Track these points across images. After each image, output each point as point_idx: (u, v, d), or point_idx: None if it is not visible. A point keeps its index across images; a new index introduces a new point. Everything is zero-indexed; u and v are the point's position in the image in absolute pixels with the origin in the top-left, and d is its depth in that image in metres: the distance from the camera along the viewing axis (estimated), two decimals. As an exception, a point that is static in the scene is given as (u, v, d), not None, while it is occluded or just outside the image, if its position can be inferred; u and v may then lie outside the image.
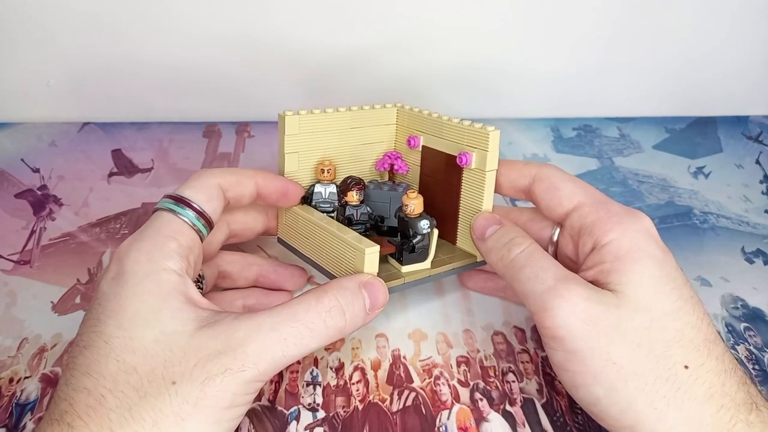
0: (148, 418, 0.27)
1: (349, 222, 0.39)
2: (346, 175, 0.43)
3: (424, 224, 0.37)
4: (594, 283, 0.33)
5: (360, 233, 0.39)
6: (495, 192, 0.39)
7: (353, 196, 0.39)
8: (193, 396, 0.27)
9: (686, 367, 0.30)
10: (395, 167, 0.44)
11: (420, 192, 0.43)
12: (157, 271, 0.31)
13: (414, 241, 0.38)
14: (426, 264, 0.39)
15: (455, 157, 0.39)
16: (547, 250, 0.38)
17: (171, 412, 0.27)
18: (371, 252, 0.34)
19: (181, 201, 0.34)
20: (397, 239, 0.39)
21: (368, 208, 0.40)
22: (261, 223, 0.41)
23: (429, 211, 0.40)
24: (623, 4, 0.58)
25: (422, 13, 0.58)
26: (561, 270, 0.33)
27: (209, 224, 0.35)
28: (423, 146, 0.42)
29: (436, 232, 0.38)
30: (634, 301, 0.31)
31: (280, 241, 0.42)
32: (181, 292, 0.31)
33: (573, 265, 0.36)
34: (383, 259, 0.39)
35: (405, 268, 0.38)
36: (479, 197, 0.39)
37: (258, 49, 0.58)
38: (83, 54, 0.57)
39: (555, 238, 0.38)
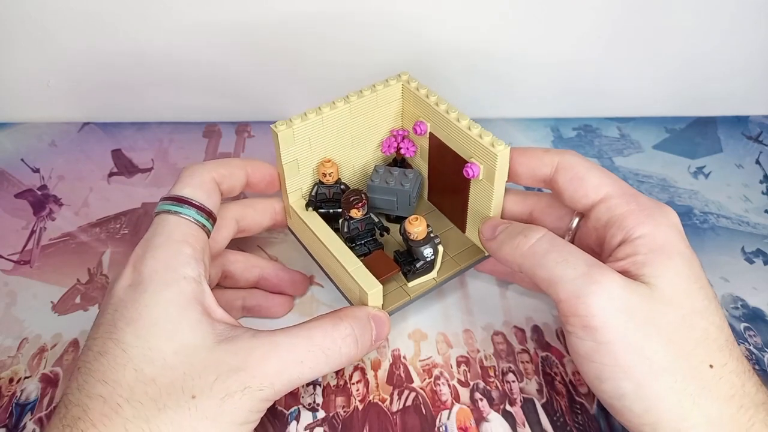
0: (165, 431, 0.27)
1: (353, 239, 0.39)
2: (351, 168, 0.42)
3: (428, 253, 0.37)
4: (626, 273, 0.32)
5: (366, 240, 0.39)
6: (512, 182, 0.38)
7: (357, 213, 0.38)
8: (212, 411, 0.28)
9: (711, 366, 0.30)
10: (402, 150, 0.42)
11: (429, 177, 0.43)
12: (176, 280, 0.31)
13: (418, 265, 0.37)
14: (432, 274, 0.39)
15: (463, 159, 0.38)
16: (563, 238, 0.38)
17: (189, 426, 0.27)
18: (374, 293, 0.34)
19: (183, 201, 0.34)
20: (403, 248, 0.39)
21: (373, 217, 0.39)
22: (269, 217, 0.41)
23: (439, 196, 0.39)
24: (623, 4, 0.58)
25: (422, 12, 0.58)
26: (590, 256, 0.32)
27: (212, 219, 0.35)
28: (430, 133, 0.40)
29: (441, 248, 0.38)
30: (668, 296, 0.30)
31: (289, 230, 0.42)
32: (200, 302, 0.31)
33: (594, 256, 0.36)
34: None
35: (411, 283, 0.38)
36: (487, 205, 0.38)
37: (258, 49, 0.58)
38: (83, 54, 0.57)
39: (574, 226, 0.37)
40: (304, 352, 0.30)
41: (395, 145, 0.42)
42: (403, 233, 0.38)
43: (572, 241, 0.38)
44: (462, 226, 0.41)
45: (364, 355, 0.34)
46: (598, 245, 0.35)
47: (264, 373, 0.29)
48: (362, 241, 0.39)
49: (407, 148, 0.42)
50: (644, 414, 0.29)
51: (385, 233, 0.40)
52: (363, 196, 0.38)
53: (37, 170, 0.55)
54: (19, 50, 0.57)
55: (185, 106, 0.61)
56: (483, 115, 0.64)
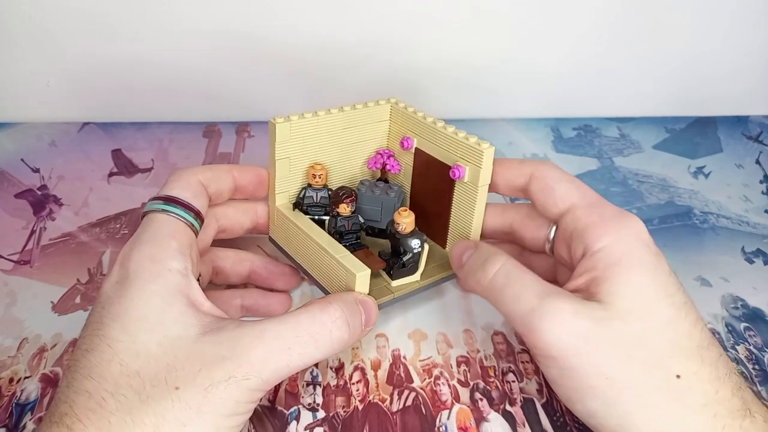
0: (149, 422, 0.27)
1: (340, 234, 0.39)
2: (338, 178, 0.43)
3: (416, 243, 0.37)
4: (585, 290, 0.32)
5: (352, 242, 0.40)
6: (492, 192, 0.39)
7: (345, 209, 0.39)
8: (195, 402, 0.27)
9: (678, 376, 0.30)
10: (387, 166, 0.43)
11: (412, 194, 0.44)
12: (161, 273, 0.31)
13: (405, 258, 0.38)
14: (416, 276, 0.39)
15: (448, 166, 0.39)
16: (544, 248, 0.38)
17: (173, 417, 0.27)
18: (362, 276, 0.34)
19: (171, 200, 0.35)
20: (388, 251, 0.39)
21: (360, 218, 0.40)
22: (249, 218, 0.41)
23: (421, 213, 0.40)
24: (623, 4, 0.58)
25: (421, 10, 0.58)
26: (542, 285, 0.32)
27: (200, 219, 0.36)
28: (416, 148, 0.42)
29: (426, 247, 0.38)
30: (625, 312, 0.31)
31: (271, 240, 0.42)
32: (185, 294, 0.31)
33: (569, 265, 0.36)
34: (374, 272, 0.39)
35: (395, 283, 0.39)
36: (470, 209, 0.39)
37: (258, 50, 0.58)
38: (83, 54, 0.57)
39: (551, 236, 0.37)
40: (291, 338, 0.30)
41: (381, 162, 0.43)
42: (390, 228, 0.38)
43: (552, 249, 0.38)
44: (443, 242, 0.42)
45: (356, 340, 0.33)
46: (569, 255, 0.36)
47: (249, 362, 0.29)
48: (347, 242, 0.40)
49: (392, 166, 0.43)
50: (618, 429, 0.30)
51: (371, 231, 0.41)
52: (353, 192, 0.39)
53: (37, 170, 0.55)
54: (19, 50, 0.57)
55: (185, 106, 0.61)
56: (483, 115, 0.64)
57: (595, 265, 0.32)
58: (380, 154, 0.43)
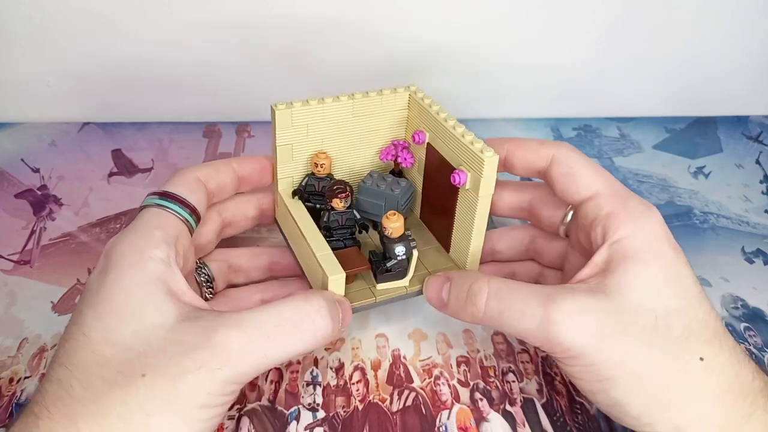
0: (113, 411, 0.26)
1: (329, 230, 0.38)
2: (347, 168, 0.42)
3: (400, 251, 0.36)
4: (598, 277, 0.32)
5: (345, 238, 0.39)
6: (508, 172, 0.38)
7: (338, 204, 0.38)
8: (162, 391, 0.27)
9: (702, 359, 0.30)
10: (399, 159, 0.41)
11: (423, 191, 0.42)
12: (142, 261, 0.30)
13: (389, 264, 0.36)
14: (404, 282, 0.37)
15: (453, 168, 0.37)
16: (558, 231, 0.38)
17: (137, 406, 0.26)
18: (336, 279, 0.33)
19: (165, 195, 0.35)
20: (380, 251, 0.38)
21: (355, 213, 0.38)
22: (253, 207, 0.41)
23: (431, 212, 0.39)
24: (623, 3, 0.58)
25: (424, 12, 0.58)
26: (539, 294, 0.32)
27: (196, 215, 0.35)
28: (428, 144, 0.40)
29: (416, 253, 0.37)
30: (635, 303, 0.31)
31: (276, 223, 0.42)
32: (164, 282, 0.30)
33: (582, 250, 0.36)
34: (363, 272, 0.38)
35: (380, 286, 0.37)
36: (470, 220, 0.36)
37: (258, 49, 0.58)
38: (83, 54, 0.57)
39: (567, 219, 0.37)
40: (271, 328, 0.29)
41: (393, 153, 0.41)
42: (380, 230, 0.37)
43: (565, 233, 0.38)
44: (447, 245, 0.40)
45: (334, 338, 0.33)
46: (587, 242, 0.35)
47: (225, 351, 0.28)
48: (340, 236, 0.38)
49: (404, 158, 0.41)
50: (641, 416, 0.30)
51: (364, 231, 0.39)
52: (347, 187, 0.38)
53: (37, 170, 0.55)
54: (19, 50, 0.57)
55: (185, 106, 0.61)
56: (483, 115, 0.64)
57: (611, 256, 0.32)
58: (394, 145, 0.41)
